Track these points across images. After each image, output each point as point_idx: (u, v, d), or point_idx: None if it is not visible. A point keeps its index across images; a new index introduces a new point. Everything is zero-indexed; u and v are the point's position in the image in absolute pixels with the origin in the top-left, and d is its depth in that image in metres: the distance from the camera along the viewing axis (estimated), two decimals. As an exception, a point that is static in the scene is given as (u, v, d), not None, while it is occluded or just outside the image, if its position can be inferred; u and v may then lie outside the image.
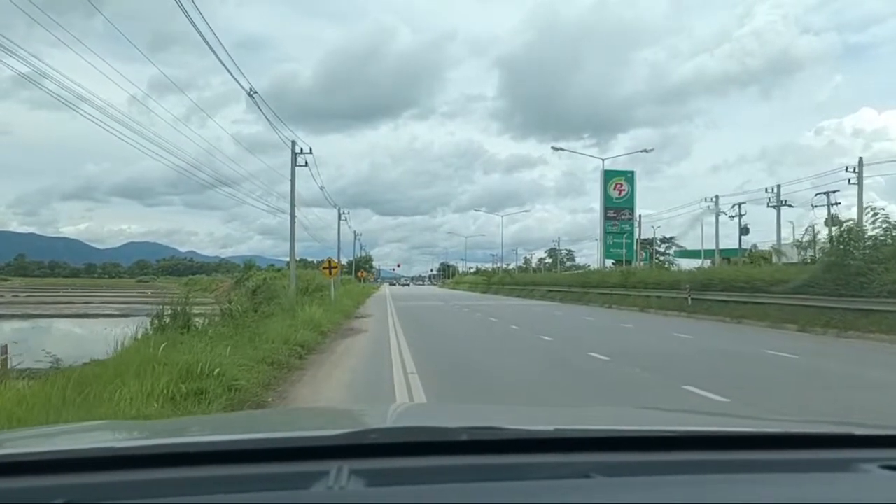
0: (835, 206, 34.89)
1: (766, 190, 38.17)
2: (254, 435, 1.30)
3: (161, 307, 11.76)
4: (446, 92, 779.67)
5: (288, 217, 25.36)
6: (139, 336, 9.31)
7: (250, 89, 19.88)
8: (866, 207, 17.18)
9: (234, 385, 6.79)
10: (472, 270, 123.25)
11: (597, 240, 53.25)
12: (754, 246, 43.84)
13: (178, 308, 11.74)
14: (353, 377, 9.23)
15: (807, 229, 26.37)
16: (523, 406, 5.74)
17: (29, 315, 33.34)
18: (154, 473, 1.01)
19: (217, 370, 6.70)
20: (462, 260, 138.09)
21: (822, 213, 35.06)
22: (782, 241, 37.12)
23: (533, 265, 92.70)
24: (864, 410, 6.77)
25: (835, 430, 1.37)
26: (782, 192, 37.88)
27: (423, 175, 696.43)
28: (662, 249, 62.43)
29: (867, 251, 16.48)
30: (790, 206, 38.21)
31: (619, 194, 48.67)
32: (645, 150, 47.17)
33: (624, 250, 46.90)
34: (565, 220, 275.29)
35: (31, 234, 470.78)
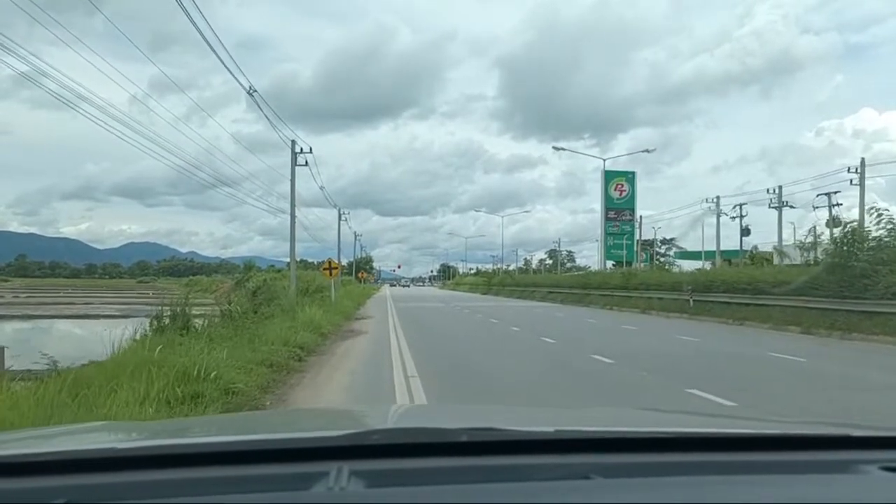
0: (836, 207, 34.86)
1: (768, 191, 38.12)
2: (254, 436, 1.30)
3: (160, 308, 11.68)
4: (446, 92, 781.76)
5: (288, 217, 25.32)
6: (138, 337, 9.22)
7: (250, 87, 19.82)
8: (870, 208, 17.08)
9: (232, 388, 6.68)
10: (472, 271, 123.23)
11: (597, 241, 53.23)
12: (755, 247, 43.73)
13: (178, 309, 11.66)
14: (353, 379, 9.13)
15: (810, 230, 26.22)
16: (523, 407, 5.67)
17: (29, 316, 33.20)
18: (154, 474, 1.01)
19: (214, 373, 6.58)
20: (462, 261, 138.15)
21: (823, 215, 35.08)
22: (783, 243, 37.08)
23: (533, 266, 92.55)
24: (873, 413, 6.68)
25: (833, 432, 1.37)
26: (783, 192, 37.81)
27: (424, 175, 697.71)
28: (663, 251, 62.35)
29: (871, 252, 16.36)
30: (791, 207, 38.14)
31: (620, 195, 48.59)
32: (647, 151, 47.08)
33: (624, 251, 46.79)
34: (565, 220, 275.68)
35: (32, 235, 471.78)
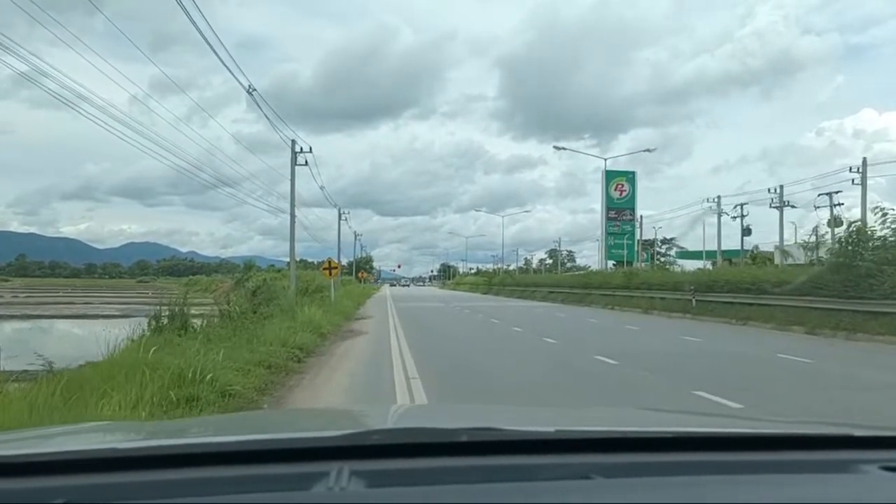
0: (837, 207, 34.72)
1: (769, 190, 38.00)
2: (254, 436, 1.29)
3: (158, 308, 11.55)
4: (447, 92, 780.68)
5: (288, 217, 25.18)
6: (136, 337, 9.08)
7: (249, 86, 19.71)
8: (875, 207, 16.90)
9: (229, 390, 6.52)
10: (472, 271, 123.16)
11: (597, 240, 53.17)
12: (756, 247, 43.61)
13: (176, 309, 11.53)
14: (353, 381, 8.97)
15: (813, 229, 26.08)
16: (523, 407, 5.58)
17: (28, 315, 33.09)
18: (154, 474, 1.00)
19: (210, 375, 6.42)
20: (462, 260, 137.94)
21: (824, 214, 34.95)
22: (784, 242, 36.92)
23: (533, 266, 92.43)
24: (881, 415, 6.54)
25: (834, 432, 1.37)
26: (784, 192, 37.64)
27: (424, 175, 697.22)
28: (663, 250, 62.20)
29: (877, 252, 16.20)
30: (793, 206, 38.00)
31: (621, 195, 48.50)
32: (647, 150, 46.93)
33: (625, 251, 46.67)
34: (566, 220, 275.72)
35: (32, 234, 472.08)
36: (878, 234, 16.65)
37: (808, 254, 25.47)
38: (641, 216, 49.93)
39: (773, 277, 20.39)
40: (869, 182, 31.11)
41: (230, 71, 17.79)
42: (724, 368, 10.43)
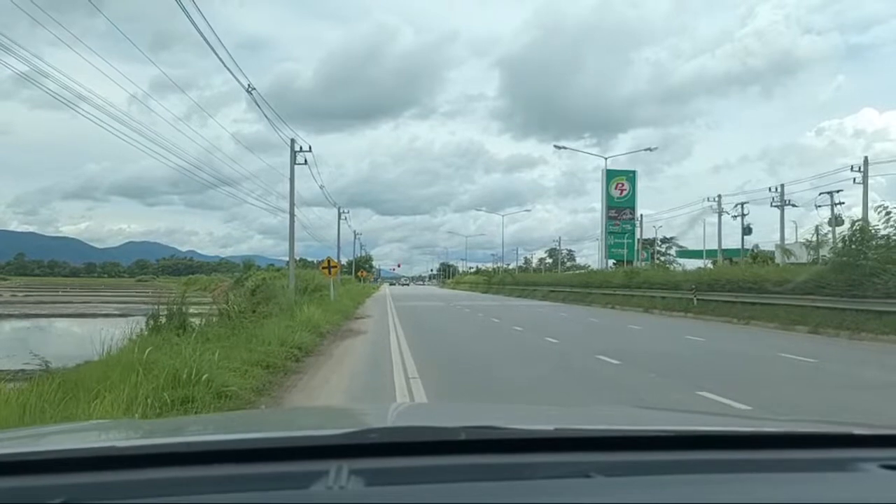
0: (838, 206, 34.60)
1: (770, 189, 37.86)
2: (253, 434, 1.29)
3: (156, 307, 11.43)
4: (447, 92, 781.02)
5: (288, 216, 25.04)
6: (133, 337, 8.96)
7: (248, 85, 19.56)
8: (878, 206, 16.76)
9: (225, 391, 6.38)
10: (472, 270, 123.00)
11: (597, 240, 53.04)
12: (756, 246, 43.53)
13: (174, 308, 11.41)
14: (352, 382, 8.83)
15: (815, 228, 25.96)
16: (523, 405, 5.43)
17: (27, 315, 32.98)
18: (153, 473, 1.00)
19: (206, 376, 6.28)
20: (462, 260, 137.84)
21: (825, 213, 34.85)
22: (785, 242, 36.80)
23: (533, 265, 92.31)
24: (891, 416, 6.41)
25: (834, 430, 1.36)
26: (784, 191, 37.51)
27: (424, 175, 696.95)
28: (663, 249, 62.07)
29: (880, 251, 16.07)
30: (794, 205, 37.88)
31: (621, 194, 48.40)
32: (649, 149, 46.75)
33: (625, 250, 46.57)
34: (565, 220, 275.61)
35: (31, 234, 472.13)
36: (882, 232, 16.54)
37: (811, 253, 25.34)
38: (642, 215, 49.87)
39: (775, 276, 20.25)
40: (869, 181, 31.01)
41: (230, 70, 17.69)
42: (729, 369, 10.30)
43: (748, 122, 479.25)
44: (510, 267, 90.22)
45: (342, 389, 8.25)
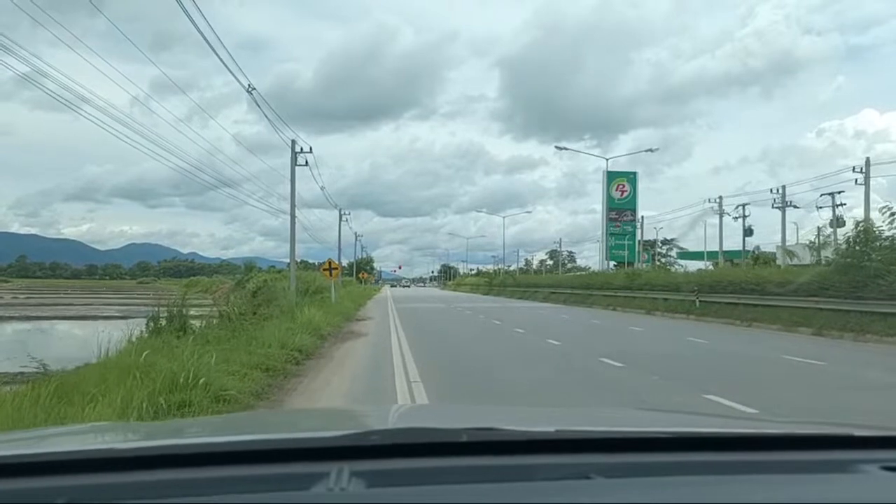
0: (839, 208, 34.47)
1: (771, 190, 37.69)
2: (254, 436, 1.29)
3: (156, 309, 11.38)
4: (447, 92, 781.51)
5: (289, 218, 24.97)
6: (133, 339, 8.90)
7: (248, 86, 19.52)
8: (882, 207, 16.65)
9: (223, 395, 6.28)
10: (473, 272, 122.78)
11: (598, 241, 52.92)
12: (757, 247, 43.41)
13: (175, 310, 11.35)
14: (353, 385, 8.74)
15: (818, 229, 25.84)
16: (523, 407, 5.44)
17: (28, 317, 32.93)
18: (154, 474, 1.00)
19: (203, 379, 6.18)
20: (463, 261, 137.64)
21: (826, 215, 34.72)
22: (786, 243, 36.66)
23: (534, 267, 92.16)
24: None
25: (834, 431, 1.35)
26: (786, 193, 37.37)
27: (424, 176, 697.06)
28: (664, 251, 61.94)
29: (885, 252, 15.97)
30: (795, 207, 37.73)
31: (621, 195, 48.31)
32: (650, 150, 46.64)
33: (626, 251, 46.47)
34: (566, 221, 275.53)
35: (33, 236, 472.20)
36: (886, 234, 16.45)
37: (814, 254, 25.22)
38: (643, 217, 49.75)
39: (778, 278, 20.15)
40: (870, 182, 30.87)
41: (230, 70, 17.64)
42: (734, 371, 10.20)
43: (748, 122, 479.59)
44: (511, 269, 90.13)
45: (343, 393, 8.16)
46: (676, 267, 47.69)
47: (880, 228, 16.59)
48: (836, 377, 9.71)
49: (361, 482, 0.96)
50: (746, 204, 40.45)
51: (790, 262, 29.86)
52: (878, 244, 16.35)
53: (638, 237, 48.96)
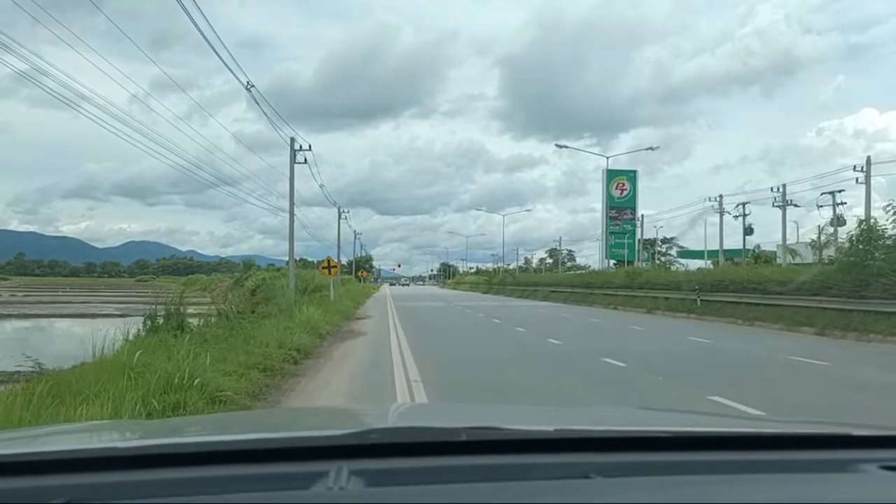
0: (840, 207, 34.34)
1: (772, 189, 37.52)
2: (253, 435, 1.29)
3: (153, 308, 11.25)
4: (447, 91, 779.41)
5: (288, 216, 24.82)
6: (130, 338, 8.76)
7: (247, 83, 19.34)
8: (887, 206, 16.49)
9: (219, 396, 6.14)
10: (472, 270, 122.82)
11: (597, 240, 52.84)
12: (757, 246, 43.30)
13: (172, 309, 11.23)
14: (352, 385, 8.60)
15: (821, 228, 25.72)
16: (523, 406, 5.30)
17: (26, 315, 32.83)
18: (155, 473, 1.00)
19: (198, 380, 6.03)
20: (463, 260, 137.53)
21: (826, 213, 34.59)
22: (787, 242, 36.55)
23: (534, 265, 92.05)
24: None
25: (833, 431, 1.36)
26: (786, 191, 37.23)
27: (424, 174, 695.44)
28: (663, 250, 61.83)
29: (889, 251, 15.83)
30: (796, 205, 37.59)
31: (621, 194, 48.21)
32: (650, 148, 46.44)
33: (626, 250, 46.37)
34: (566, 220, 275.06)
35: (31, 233, 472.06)
36: (890, 232, 16.30)
37: (817, 253, 25.10)
38: (643, 215, 49.63)
39: (780, 277, 20.02)
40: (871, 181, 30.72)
41: (228, 68, 17.46)
42: (738, 371, 10.07)
43: (748, 121, 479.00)
44: (510, 267, 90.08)
45: (342, 393, 8.02)
46: (677, 265, 47.59)
47: (884, 227, 16.45)
48: (840, 378, 9.58)
49: (361, 481, 0.96)
50: (747, 203, 40.35)
51: (793, 261, 29.73)
52: (881, 243, 16.21)
53: (638, 236, 48.86)
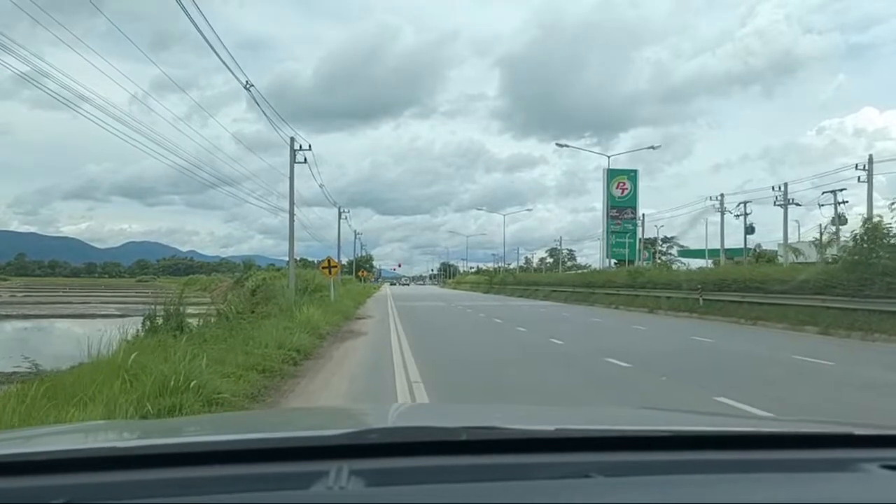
0: (841, 205, 34.20)
1: (773, 188, 37.36)
2: (253, 435, 1.28)
3: (153, 308, 11.17)
4: (448, 91, 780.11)
5: (288, 216, 24.69)
6: (129, 338, 8.67)
7: (246, 82, 19.20)
8: (892, 204, 16.35)
9: (217, 398, 6.02)
10: (473, 270, 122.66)
11: (598, 239, 52.76)
12: (758, 245, 43.18)
13: (172, 309, 11.13)
14: (352, 386, 8.48)
15: (826, 227, 25.58)
16: (523, 406, 5.32)
17: (25, 315, 32.81)
18: (154, 473, 1.00)
19: (194, 382, 5.90)
20: (463, 259, 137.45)
21: (828, 212, 34.46)
22: (788, 241, 36.41)
23: (534, 265, 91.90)
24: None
25: (835, 430, 1.35)
26: (787, 190, 37.06)
27: (424, 174, 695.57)
28: (664, 249, 61.71)
29: (893, 249, 15.70)
30: (797, 204, 37.44)
31: (622, 193, 48.13)
32: (652, 147, 46.34)
33: (627, 250, 46.26)
34: (566, 219, 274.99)
35: (32, 234, 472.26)
36: (895, 230, 16.16)
37: (822, 251, 24.95)
38: (643, 214, 49.51)
39: (784, 276, 19.89)
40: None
41: (228, 67, 17.29)
42: (743, 372, 9.94)
43: (749, 121, 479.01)
44: (511, 267, 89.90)
45: (342, 394, 7.90)
46: (678, 265, 47.43)
47: (889, 226, 16.32)
48: (846, 378, 9.46)
49: (361, 481, 0.96)
50: (748, 202, 40.21)
51: (796, 260, 29.58)
52: (886, 241, 16.07)
53: (639, 235, 48.75)
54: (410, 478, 0.99)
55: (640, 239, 48.84)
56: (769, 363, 10.98)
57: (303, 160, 25.12)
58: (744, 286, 21.18)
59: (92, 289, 74.58)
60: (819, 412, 6.70)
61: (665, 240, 61.92)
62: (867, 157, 29.64)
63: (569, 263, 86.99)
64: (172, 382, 5.69)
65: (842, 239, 21.13)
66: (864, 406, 7.14)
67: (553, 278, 53.19)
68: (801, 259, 29.24)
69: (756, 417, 6.12)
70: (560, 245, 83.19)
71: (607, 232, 47.67)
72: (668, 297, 26.14)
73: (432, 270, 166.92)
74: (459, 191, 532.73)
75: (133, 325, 10.33)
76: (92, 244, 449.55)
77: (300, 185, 30.69)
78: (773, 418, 4.74)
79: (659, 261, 49.16)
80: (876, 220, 16.88)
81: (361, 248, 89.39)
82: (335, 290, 27.96)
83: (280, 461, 1.03)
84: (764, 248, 42.61)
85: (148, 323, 10.85)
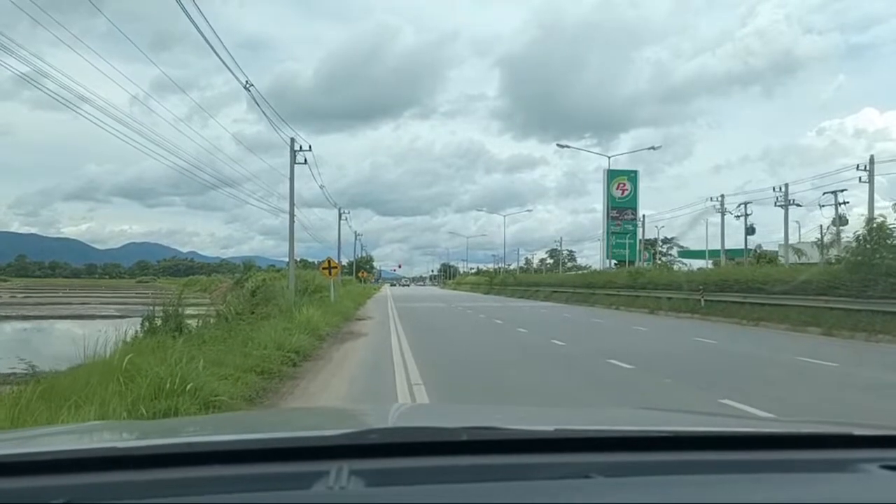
0: (842, 206, 34.11)
1: (774, 189, 37.30)
2: (254, 435, 1.28)
3: (151, 309, 11.10)
4: (447, 91, 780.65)
5: (288, 217, 24.62)
6: (128, 339, 8.59)
7: (246, 83, 19.13)
8: (895, 204, 16.29)
9: (214, 401, 5.93)
10: (473, 271, 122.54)
11: (598, 240, 52.71)
12: (759, 246, 43.08)
13: (171, 310, 11.07)
14: (352, 388, 8.39)
15: (821, 228, 25.48)
16: (523, 406, 5.31)
17: (25, 316, 32.73)
18: (155, 473, 1.00)
19: (191, 384, 5.81)
20: (463, 260, 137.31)
21: (828, 213, 34.37)
22: (789, 241, 36.31)
23: (534, 266, 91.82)
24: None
25: (834, 430, 1.35)
26: (788, 191, 36.95)
27: (425, 175, 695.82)
28: (664, 250, 61.62)
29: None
30: (798, 205, 37.35)
31: (622, 194, 48.09)
32: (652, 147, 46.13)
33: (627, 250, 46.19)
34: (566, 220, 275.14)
35: (33, 235, 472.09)
36: (899, 232, 16.09)
37: (824, 252, 24.86)
38: (643, 215, 49.43)
39: (786, 276, 19.79)
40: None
41: (228, 68, 17.23)
42: (746, 373, 9.85)
43: (749, 121, 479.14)
44: (511, 268, 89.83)
45: (341, 396, 7.81)
46: (678, 265, 47.36)
47: (892, 226, 16.23)
48: (849, 379, 9.37)
49: (361, 481, 0.95)
50: (748, 202, 40.13)
51: (798, 261, 29.48)
52: (889, 242, 15.99)
53: (639, 236, 48.68)
54: (411, 478, 0.99)
55: (640, 240, 48.78)
56: (772, 364, 10.90)
57: (303, 161, 25.08)
58: (745, 287, 21.09)
59: (92, 290, 74.53)
60: (821, 413, 6.62)
61: (665, 240, 61.93)
62: (868, 157, 29.63)
63: (569, 264, 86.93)
64: (168, 385, 5.59)
65: (844, 239, 21.00)
66: (866, 407, 7.06)
67: (553, 279, 53.12)
68: (803, 259, 29.13)
69: (756, 418, 6.07)
70: (560, 246, 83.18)
71: (607, 233, 47.60)
72: (669, 298, 26.06)
73: (432, 271, 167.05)
74: (459, 191, 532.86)
75: (132, 326, 10.26)
76: (92, 245, 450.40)
77: (300, 186, 30.66)
78: (773, 419, 4.68)
79: (659, 261, 49.06)
80: (879, 220, 16.79)
81: (361, 248, 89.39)
82: (335, 291, 27.89)
83: (280, 461, 1.03)
84: (764, 248, 42.51)
85: (147, 324, 10.78)
